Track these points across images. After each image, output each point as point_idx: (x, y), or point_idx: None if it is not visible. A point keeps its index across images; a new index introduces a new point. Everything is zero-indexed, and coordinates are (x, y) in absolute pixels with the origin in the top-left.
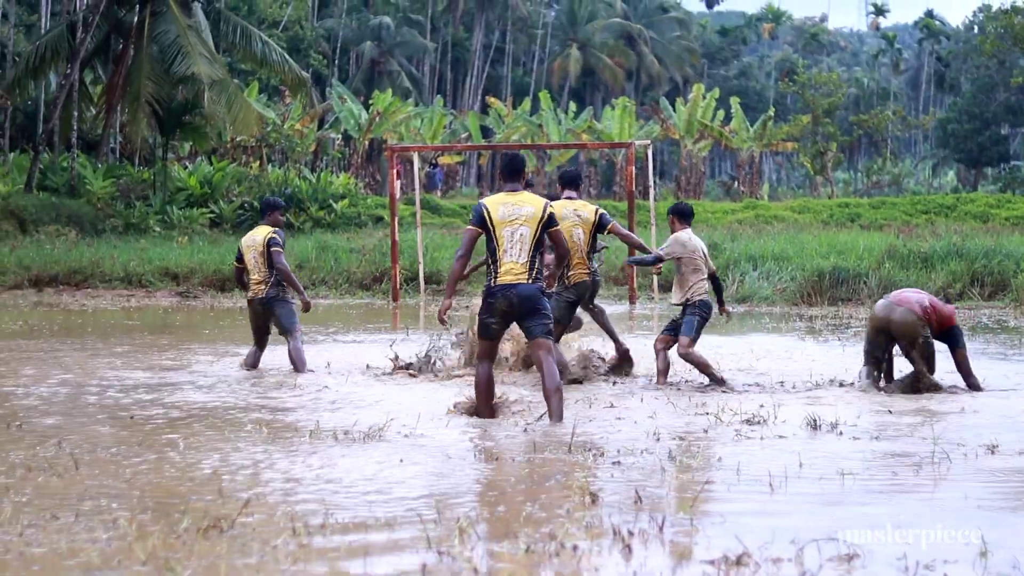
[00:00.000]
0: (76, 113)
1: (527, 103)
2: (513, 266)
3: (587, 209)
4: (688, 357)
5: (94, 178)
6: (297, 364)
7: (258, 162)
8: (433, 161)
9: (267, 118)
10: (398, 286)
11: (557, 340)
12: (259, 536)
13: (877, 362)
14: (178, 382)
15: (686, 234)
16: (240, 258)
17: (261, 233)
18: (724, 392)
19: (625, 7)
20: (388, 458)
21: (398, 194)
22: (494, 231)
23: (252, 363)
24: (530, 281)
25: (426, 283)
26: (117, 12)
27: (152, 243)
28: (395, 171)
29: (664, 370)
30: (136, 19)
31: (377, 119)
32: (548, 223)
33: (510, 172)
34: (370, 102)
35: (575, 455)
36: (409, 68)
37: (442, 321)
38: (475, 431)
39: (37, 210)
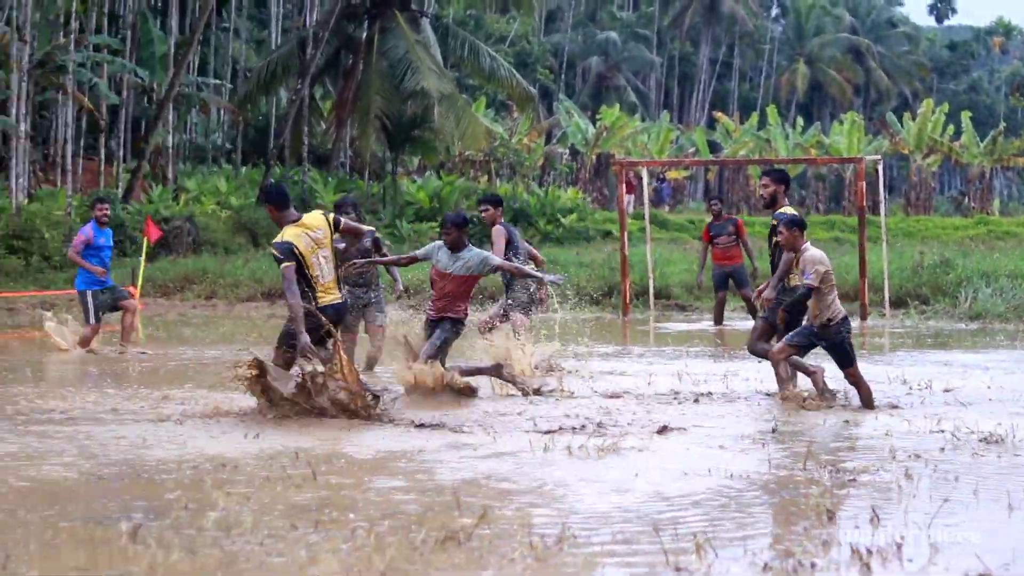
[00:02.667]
0: (306, 128)
1: (754, 118)
2: None
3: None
4: (858, 383)
5: (325, 192)
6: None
7: (486, 176)
8: (660, 176)
9: (495, 132)
10: (628, 300)
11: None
12: (496, 549)
13: None
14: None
15: (814, 250)
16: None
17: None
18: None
19: (853, 21)
20: (623, 472)
21: (628, 209)
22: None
23: None
24: None
25: (656, 297)
26: (347, 28)
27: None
28: (624, 185)
29: (787, 378)
30: (365, 35)
31: (604, 134)
32: None
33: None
34: (597, 117)
35: (810, 471)
36: (636, 83)
37: None
38: (709, 447)
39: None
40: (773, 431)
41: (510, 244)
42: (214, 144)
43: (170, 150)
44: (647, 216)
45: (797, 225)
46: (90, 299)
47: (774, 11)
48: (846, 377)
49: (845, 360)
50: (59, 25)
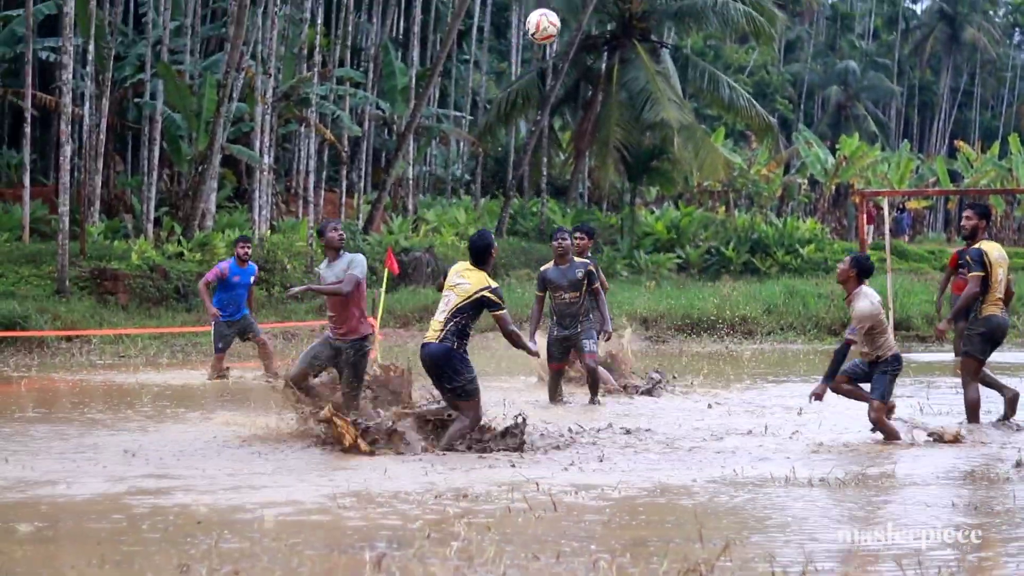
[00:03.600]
0: (545, 159)
1: (996, 147)
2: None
3: None
4: (880, 423)
5: (563, 222)
6: None
7: (724, 207)
8: (900, 206)
9: (733, 163)
10: None
11: None
12: None
13: None
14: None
15: (863, 301)
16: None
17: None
18: None
19: None
20: (865, 504)
21: (868, 239)
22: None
23: None
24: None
25: (896, 329)
26: (586, 59)
27: (619, 287)
28: (864, 216)
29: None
30: (605, 66)
31: (843, 164)
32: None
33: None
34: (836, 146)
35: None
36: (875, 112)
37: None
38: (944, 483)
39: (508, 254)
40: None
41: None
42: (453, 175)
43: (410, 181)
44: (888, 246)
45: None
46: (214, 329)
47: (1016, 38)
48: (869, 410)
49: (876, 392)
50: (303, 58)
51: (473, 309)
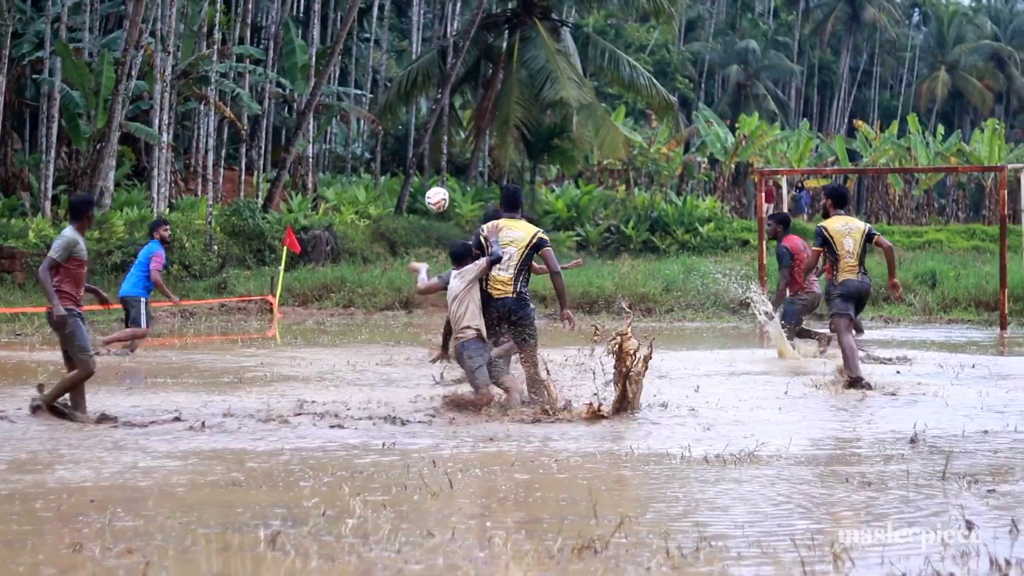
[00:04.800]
0: (446, 137)
1: (895, 126)
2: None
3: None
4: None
5: (463, 201)
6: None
7: (624, 186)
8: (799, 185)
9: (634, 142)
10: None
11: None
12: (632, 558)
13: None
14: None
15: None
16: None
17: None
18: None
19: (995, 29)
20: (761, 481)
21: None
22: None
23: None
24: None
25: None
26: (487, 37)
27: None
28: (763, 194)
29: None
30: (506, 44)
31: (743, 143)
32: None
33: (510, 204)
34: (736, 125)
35: (949, 482)
36: (775, 91)
37: None
38: (846, 455)
39: (407, 233)
40: (912, 441)
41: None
42: (354, 154)
43: (310, 160)
44: None
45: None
46: (146, 310)
47: (915, 19)
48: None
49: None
50: (203, 36)
51: (530, 255)
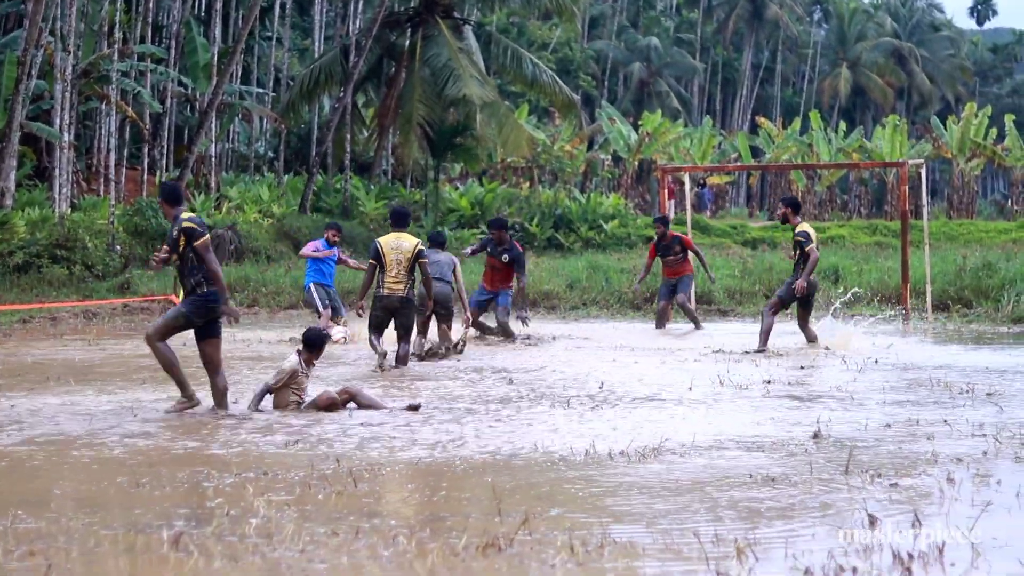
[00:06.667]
0: (349, 136)
1: (797, 123)
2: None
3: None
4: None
5: (367, 199)
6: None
7: (528, 183)
8: (701, 181)
9: (537, 139)
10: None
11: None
12: (537, 555)
13: None
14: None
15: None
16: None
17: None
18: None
19: (895, 26)
20: (664, 477)
21: (670, 214)
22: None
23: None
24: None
25: (696, 302)
26: (389, 36)
27: None
28: (666, 191)
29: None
30: (408, 42)
31: (646, 140)
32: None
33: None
34: (639, 123)
35: (852, 477)
36: (678, 88)
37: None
38: (743, 454)
39: (311, 231)
40: (815, 436)
41: None
42: (257, 153)
43: (213, 159)
44: (689, 221)
45: None
46: (311, 293)
47: (817, 16)
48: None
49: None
50: (103, 35)
51: (414, 263)
